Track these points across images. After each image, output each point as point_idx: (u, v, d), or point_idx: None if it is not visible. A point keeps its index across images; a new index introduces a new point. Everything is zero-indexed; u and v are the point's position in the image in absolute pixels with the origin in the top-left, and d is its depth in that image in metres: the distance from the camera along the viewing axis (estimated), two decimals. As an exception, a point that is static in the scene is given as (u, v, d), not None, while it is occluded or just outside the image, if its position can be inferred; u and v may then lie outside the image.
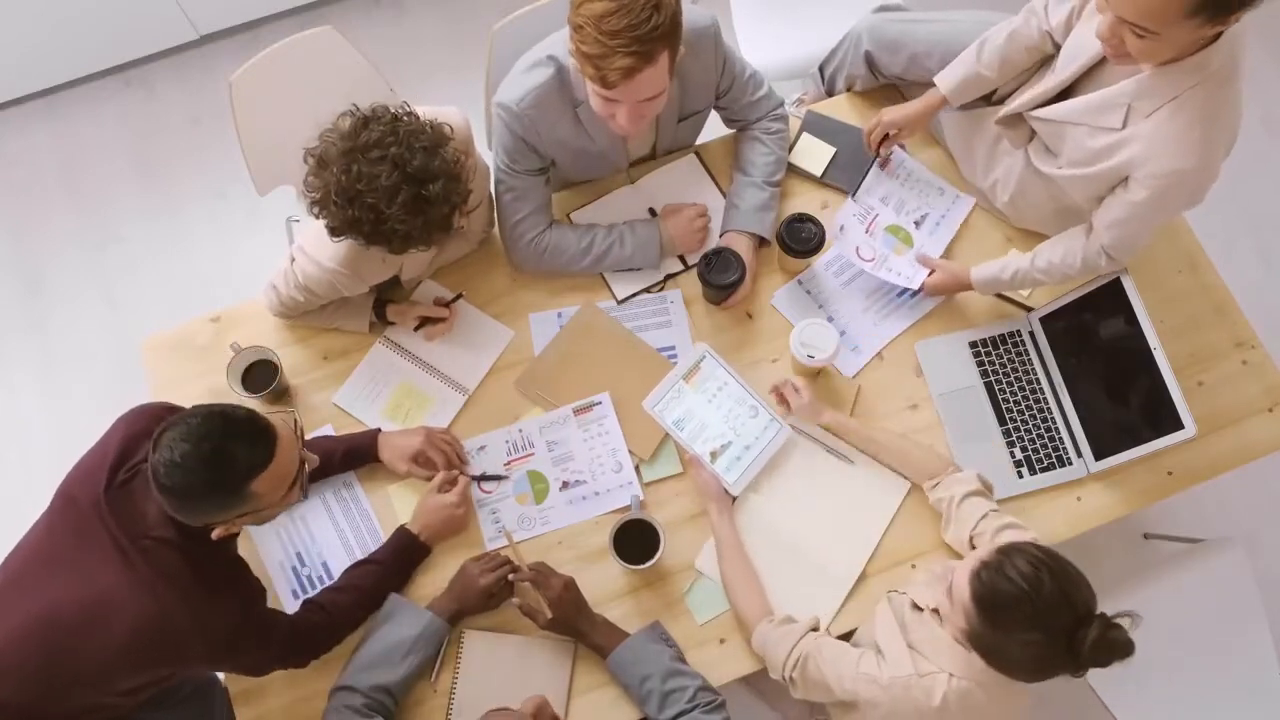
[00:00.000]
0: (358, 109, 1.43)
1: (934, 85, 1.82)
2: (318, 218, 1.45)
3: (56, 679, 1.32)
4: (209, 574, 1.35)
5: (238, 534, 1.40)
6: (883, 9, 2.05)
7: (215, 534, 1.31)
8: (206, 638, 1.34)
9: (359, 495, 1.73)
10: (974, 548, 1.55)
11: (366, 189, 1.36)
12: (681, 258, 1.90)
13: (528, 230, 1.81)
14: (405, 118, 1.43)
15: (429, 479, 1.68)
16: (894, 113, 1.86)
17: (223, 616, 1.35)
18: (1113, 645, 1.19)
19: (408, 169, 1.36)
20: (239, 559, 1.46)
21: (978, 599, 1.25)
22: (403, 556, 1.64)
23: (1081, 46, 1.57)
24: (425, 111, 1.51)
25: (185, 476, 1.21)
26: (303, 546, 1.69)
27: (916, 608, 1.44)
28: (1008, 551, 1.26)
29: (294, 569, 1.68)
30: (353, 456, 1.69)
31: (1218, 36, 1.37)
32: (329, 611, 1.54)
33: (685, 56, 1.61)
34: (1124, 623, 1.22)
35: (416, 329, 1.80)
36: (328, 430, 1.76)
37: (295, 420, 1.34)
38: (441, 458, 1.69)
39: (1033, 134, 1.70)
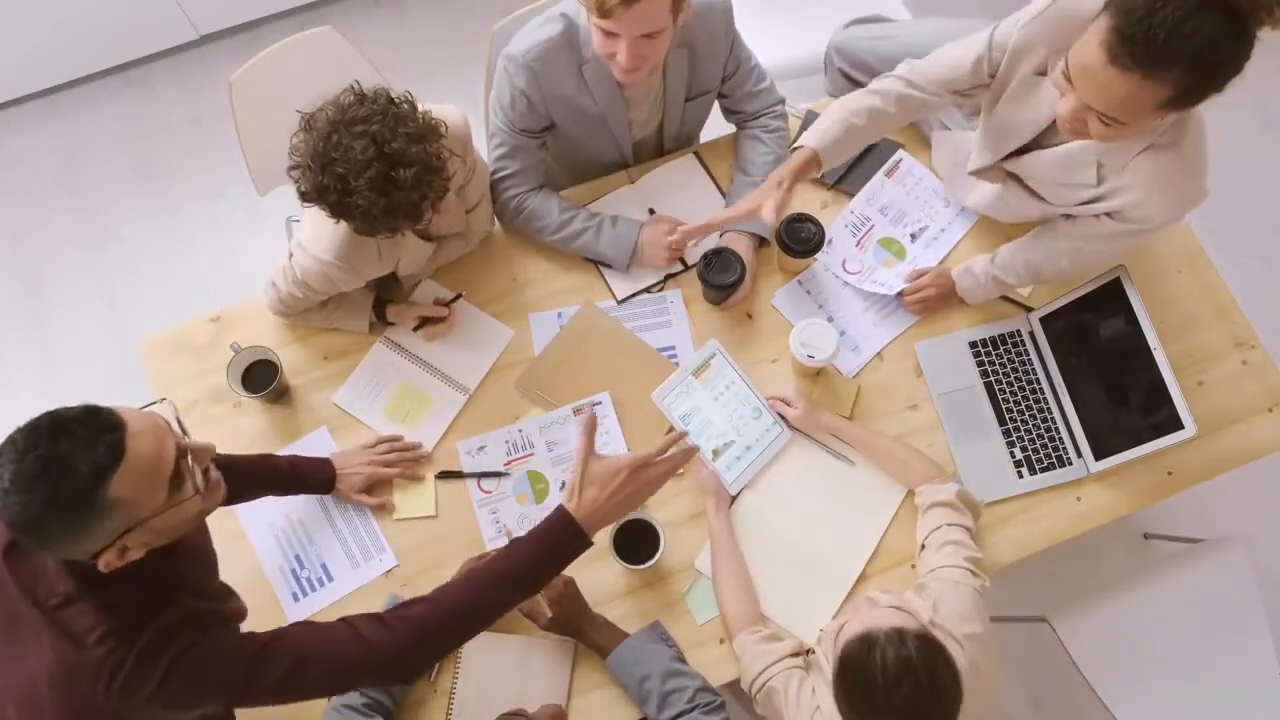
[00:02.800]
0: (358, 86, 1.43)
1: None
2: (296, 183, 1.44)
3: None
4: (125, 618, 1.12)
5: (153, 559, 1.13)
6: (854, 23, 2.04)
7: (103, 564, 1.07)
8: (159, 696, 1.12)
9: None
10: (918, 564, 1.56)
11: (340, 158, 1.35)
12: (681, 258, 1.90)
13: (511, 186, 1.83)
14: (402, 105, 1.43)
15: (380, 506, 1.68)
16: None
17: (158, 672, 1.12)
18: None
19: (385, 148, 1.35)
20: (165, 586, 1.17)
21: (842, 665, 1.25)
22: (557, 550, 1.29)
23: (1017, 126, 1.56)
24: (423, 105, 1.51)
25: (20, 502, 1.00)
26: (301, 549, 1.69)
27: None
28: (893, 636, 1.22)
29: (293, 571, 1.68)
30: (313, 490, 1.67)
31: None
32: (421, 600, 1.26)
33: (695, 30, 1.66)
34: None
35: (416, 329, 1.81)
36: (322, 431, 1.77)
37: (174, 410, 1.17)
38: (395, 470, 1.70)
39: (1008, 174, 1.70)
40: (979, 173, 1.72)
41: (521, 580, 1.27)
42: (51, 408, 1.05)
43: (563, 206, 1.86)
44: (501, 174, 1.83)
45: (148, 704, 1.13)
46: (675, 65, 1.75)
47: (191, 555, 1.25)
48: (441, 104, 1.59)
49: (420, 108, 1.47)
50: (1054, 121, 1.50)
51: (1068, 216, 1.64)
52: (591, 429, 1.32)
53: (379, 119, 1.37)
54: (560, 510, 1.28)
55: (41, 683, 1.13)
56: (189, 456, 1.13)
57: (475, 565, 1.30)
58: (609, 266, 1.89)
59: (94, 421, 1.04)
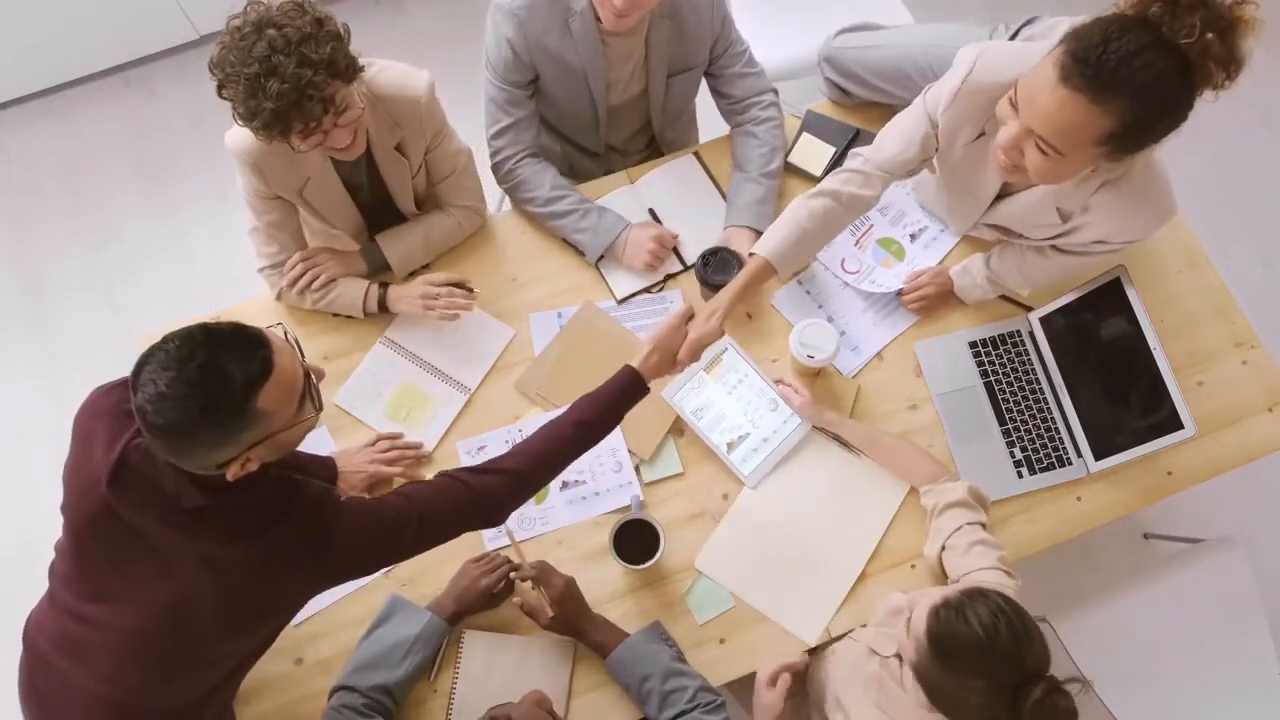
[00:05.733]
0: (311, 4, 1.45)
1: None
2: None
3: (171, 679, 1.29)
4: (259, 516, 1.22)
5: (264, 472, 1.21)
6: (843, 32, 2.05)
7: (230, 474, 1.14)
8: (301, 577, 1.27)
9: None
10: (943, 565, 1.56)
11: (238, 46, 1.39)
12: (680, 258, 1.90)
13: (506, 146, 1.87)
14: (325, 29, 1.42)
15: None
16: (701, 325, 1.56)
17: (298, 554, 1.24)
18: (1054, 710, 1.16)
19: (273, 58, 1.37)
20: (285, 482, 1.26)
21: (932, 636, 1.24)
22: (623, 396, 1.47)
23: (978, 190, 1.60)
24: (394, 66, 1.58)
25: (176, 407, 1.05)
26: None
27: (874, 653, 1.43)
28: (972, 595, 1.24)
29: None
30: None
31: None
32: (511, 453, 1.40)
33: (683, 1, 1.72)
34: (1073, 689, 1.19)
35: (428, 296, 1.77)
36: (322, 431, 1.77)
37: (285, 331, 1.22)
38: (397, 469, 1.71)
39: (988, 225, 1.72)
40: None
41: (594, 425, 1.43)
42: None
43: (555, 184, 1.87)
44: (496, 128, 1.86)
45: (322, 574, 1.28)
46: (658, 35, 1.79)
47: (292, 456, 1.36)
48: (442, 105, 1.61)
49: (371, 62, 1.49)
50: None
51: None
52: (686, 315, 1.54)
53: (292, 32, 1.39)
54: (627, 368, 1.48)
55: (196, 588, 1.21)
56: (311, 376, 1.21)
57: (553, 419, 1.44)
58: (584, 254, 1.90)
59: (245, 337, 1.12)
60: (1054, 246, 1.64)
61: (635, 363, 1.49)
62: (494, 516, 1.39)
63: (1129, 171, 1.41)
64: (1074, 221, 1.51)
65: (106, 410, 1.27)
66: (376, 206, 1.82)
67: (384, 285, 1.81)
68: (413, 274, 1.88)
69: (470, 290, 1.81)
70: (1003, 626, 1.20)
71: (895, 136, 1.59)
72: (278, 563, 1.23)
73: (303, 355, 1.21)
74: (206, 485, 1.18)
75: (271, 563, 1.23)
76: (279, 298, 1.81)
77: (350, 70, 1.46)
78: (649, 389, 1.49)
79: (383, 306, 1.81)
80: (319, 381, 1.24)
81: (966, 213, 1.69)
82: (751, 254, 1.63)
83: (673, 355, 1.52)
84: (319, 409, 1.23)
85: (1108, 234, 1.50)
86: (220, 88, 1.43)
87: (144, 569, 1.23)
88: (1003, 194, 1.61)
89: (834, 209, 1.60)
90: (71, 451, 1.29)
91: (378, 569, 1.35)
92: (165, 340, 1.10)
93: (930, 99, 1.54)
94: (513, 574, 1.61)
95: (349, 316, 1.83)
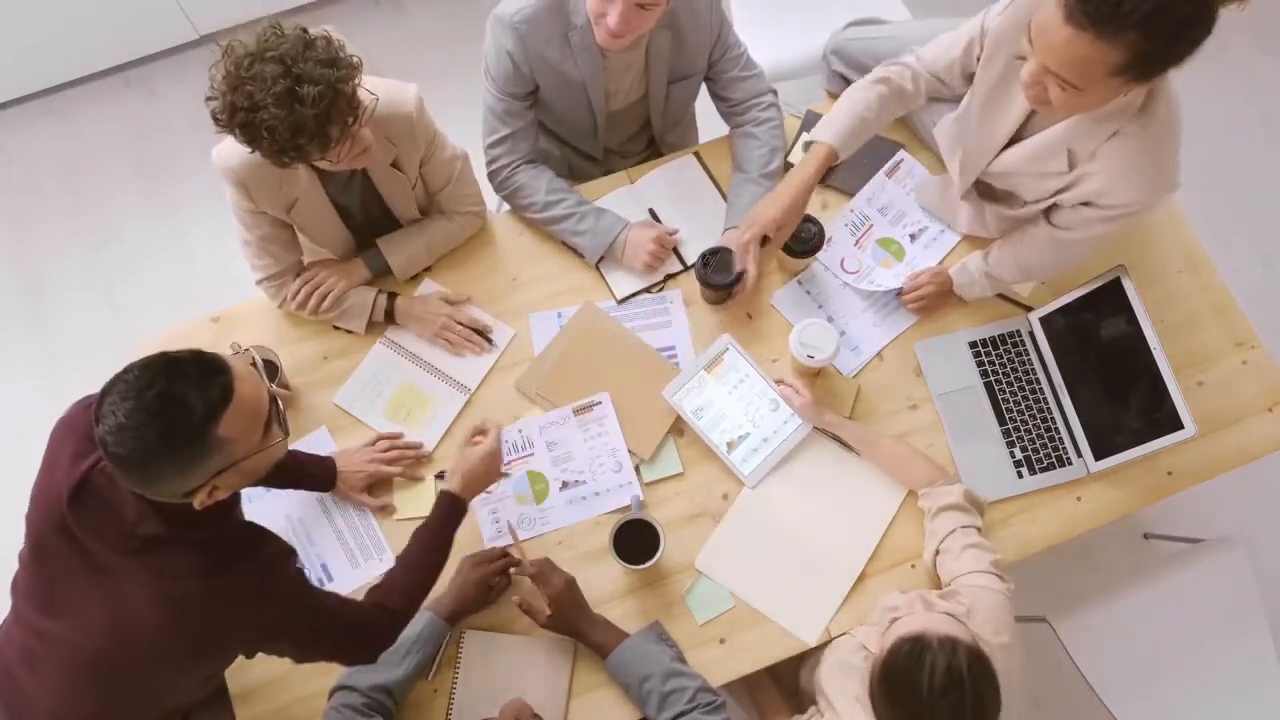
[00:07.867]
0: (275, 22, 1.44)
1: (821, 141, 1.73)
2: (211, 111, 1.44)
3: (119, 699, 1.28)
4: (220, 553, 1.22)
5: (233, 503, 1.24)
6: (852, 25, 2.06)
7: (198, 502, 1.14)
8: (248, 621, 1.26)
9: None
10: (937, 569, 1.57)
11: (250, 78, 1.38)
12: (680, 258, 1.90)
13: (503, 155, 1.86)
14: (316, 39, 1.44)
15: (381, 508, 1.71)
16: (767, 210, 1.71)
17: (252, 596, 1.24)
18: None
19: (293, 68, 1.37)
20: (251, 526, 1.30)
21: (886, 662, 1.23)
22: (450, 519, 1.52)
23: (993, 131, 1.60)
24: (381, 84, 1.57)
25: (135, 437, 1.06)
26: (301, 549, 1.69)
27: (864, 647, 1.43)
28: (946, 644, 1.20)
29: (294, 569, 1.68)
30: (314, 486, 1.69)
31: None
32: (384, 590, 1.45)
33: (681, 11, 1.72)
34: None
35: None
36: (322, 431, 1.77)
37: (254, 358, 1.22)
38: (397, 469, 1.71)
39: (988, 189, 1.71)
40: (965, 196, 1.76)
41: (434, 550, 1.48)
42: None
43: (551, 187, 1.87)
44: (493, 138, 1.85)
45: (262, 624, 1.27)
46: (658, 45, 1.78)
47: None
48: (439, 105, 1.59)
49: (362, 77, 1.48)
50: (1028, 117, 1.54)
51: (1048, 213, 1.65)
52: (474, 433, 1.56)
53: (289, 46, 1.39)
54: (443, 494, 1.51)
55: (144, 616, 1.20)
56: (278, 402, 1.21)
57: (400, 555, 1.49)
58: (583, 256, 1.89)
59: (204, 364, 1.11)
60: (1049, 221, 1.63)
61: (449, 487, 1.51)
62: (375, 650, 1.43)
63: (1145, 130, 1.40)
64: (1079, 169, 1.49)
65: (80, 427, 1.26)
66: (368, 225, 1.82)
67: (390, 295, 1.81)
68: (415, 277, 1.88)
69: (489, 340, 1.83)
70: (951, 693, 1.16)
71: (946, 40, 1.65)
72: (226, 601, 1.22)
73: (269, 380, 1.21)
74: (168, 514, 1.18)
75: (218, 600, 1.22)
76: (281, 306, 1.81)
77: (350, 61, 1.46)
78: (467, 509, 1.52)
79: (388, 316, 1.82)
80: (286, 406, 1.22)
81: (977, 154, 1.66)
82: (811, 142, 1.68)
83: (476, 473, 1.52)
84: (286, 434, 1.22)
85: (1107, 186, 1.47)
86: (245, 130, 1.40)
87: (94, 591, 1.22)
88: (1016, 139, 1.59)
89: (889, 98, 1.70)
90: (42, 463, 1.28)
91: (290, 643, 1.34)
92: (126, 370, 1.10)
93: (992, 10, 1.55)
94: (514, 570, 1.61)
95: (350, 331, 1.84)
